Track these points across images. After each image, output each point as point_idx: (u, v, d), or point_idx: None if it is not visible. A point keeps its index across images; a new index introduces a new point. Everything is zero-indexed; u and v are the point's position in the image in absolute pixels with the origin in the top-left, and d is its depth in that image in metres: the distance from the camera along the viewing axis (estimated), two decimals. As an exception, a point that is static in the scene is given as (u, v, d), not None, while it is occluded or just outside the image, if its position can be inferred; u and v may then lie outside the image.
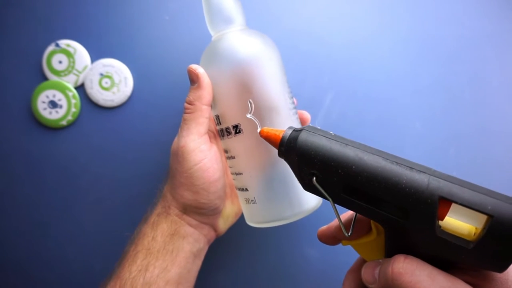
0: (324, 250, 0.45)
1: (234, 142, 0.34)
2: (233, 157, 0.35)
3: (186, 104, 0.34)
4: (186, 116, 0.34)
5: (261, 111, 0.33)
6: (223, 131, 0.35)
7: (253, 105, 0.33)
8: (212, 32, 0.36)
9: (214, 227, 0.38)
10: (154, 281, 0.33)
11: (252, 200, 0.35)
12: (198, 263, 0.37)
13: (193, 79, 0.34)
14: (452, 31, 0.46)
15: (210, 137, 0.37)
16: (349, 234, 0.26)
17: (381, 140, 0.45)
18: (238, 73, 0.33)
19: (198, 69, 0.34)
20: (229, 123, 0.34)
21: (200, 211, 0.35)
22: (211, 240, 0.39)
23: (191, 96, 0.34)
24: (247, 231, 0.45)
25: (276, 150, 0.27)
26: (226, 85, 0.34)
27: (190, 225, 0.36)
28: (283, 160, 0.32)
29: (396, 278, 0.22)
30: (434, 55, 0.45)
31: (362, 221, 0.27)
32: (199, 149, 0.34)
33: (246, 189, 0.35)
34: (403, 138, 0.45)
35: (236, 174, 0.35)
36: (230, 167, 0.36)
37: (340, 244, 0.31)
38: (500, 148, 0.45)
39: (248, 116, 0.32)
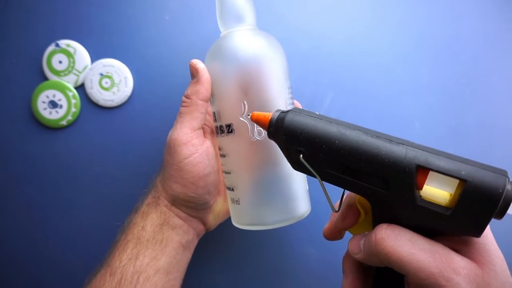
0: (324, 248, 0.45)
1: (226, 141, 0.35)
2: (224, 156, 0.35)
3: (183, 98, 0.35)
4: (182, 109, 0.35)
5: None
6: (218, 129, 0.35)
7: (246, 107, 0.33)
8: (221, 29, 0.36)
9: (203, 221, 0.38)
10: (144, 269, 0.33)
11: (236, 201, 0.35)
12: (188, 255, 0.38)
13: (193, 74, 0.34)
14: (452, 30, 0.46)
15: (205, 132, 0.37)
16: (337, 210, 0.28)
17: (380, 139, 0.45)
18: (236, 73, 0.33)
19: (199, 64, 0.34)
20: (223, 121, 0.34)
21: (188, 204, 0.36)
22: (200, 234, 0.39)
23: (189, 90, 0.34)
24: (246, 230, 0.45)
25: (266, 157, 0.31)
26: (225, 83, 0.34)
27: (179, 217, 0.36)
28: (270, 166, 0.33)
29: (379, 244, 0.23)
30: (434, 55, 0.46)
31: (353, 208, 0.28)
32: (190, 143, 0.34)
33: (232, 189, 0.35)
34: (402, 137, 0.45)
35: (226, 172, 0.35)
36: (222, 164, 0.36)
37: (340, 242, 0.31)
38: (499, 147, 0.45)
39: (241, 118, 0.33)
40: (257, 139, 0.33)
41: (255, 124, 0.33)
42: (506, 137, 0.45)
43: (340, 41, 0.46)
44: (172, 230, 0.36)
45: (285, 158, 0.33)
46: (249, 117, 0.29)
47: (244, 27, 0.35)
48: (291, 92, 0.36)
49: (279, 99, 0.34)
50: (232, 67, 0.33)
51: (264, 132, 0.33)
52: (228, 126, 0.34)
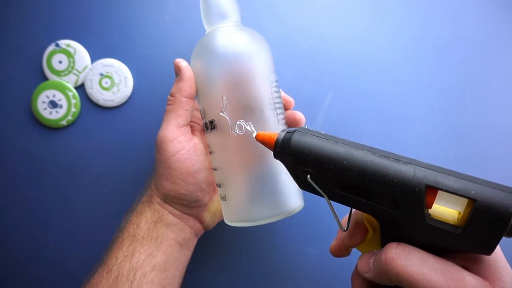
0: (324, 249, 0.45)
1: (211, 137, 0.35)
2: (211, 152, 0.35)
3: (168, 96, 0.35)
4: (167, 107, 0.35)
5: (235, 109, 0.33)
6: (204, 125, 0.35)
7: (225, 102, 0.33)
8: (205, 26, 0.36)
9: (199, 220, 0.38)
10: (140, 266, 0.33)
11: (223, 197, 0.35)
12: (187, 253, 0.38)
13: (176, 72, 0.35)
14: (452, 30, 0.46)
15: (195, 130, 0.38)
16: (346, 229, 0.28)
17: (380, 139, 0.45)
18: (214, 68, 0.33)
19: (181, 62, 0.35)
20: (207, 117, 0.35)
21: (180, 201, 0.36)
22: (198, 232, 0.39)
23: (173, 88, 0.35)
24: (246, 230, 0.45)
25: (244, 153, 0.31)
26: (206, 80, 0.34)
27: (173, 215, 0.36)
28: (253, 161, 0.33)
29: (390, 263, 0.23)
30: (433, 55, 0.46)
31: (361, 226, 0.28)
32: (177, 140, 0.34)
33: (220, 185, 0.35)
34: (402, 137, 0.45)
35: (214, 169, 0.36)
36: (211, 161, 0.36)
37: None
38: (500, 147, 0.45)
39: (221, 113, 0.33)
40: (238, 133, 0.33)
41: (236, 119, 0.33)
42: (506, 137, 0.45)
43: (340, 41, 0.46)
44: (167, 227, 0.36)
45: (269, 153, 0.33)
46: (254, 136, 0.29)
47: (227, 23, 0.35)
48: (277, 86, 0.35)
49: (261, 93, 0.33)
50: (210, 63, 0.33)
51: (244, 127, 0.33)
52: (211, 122, 0.34)
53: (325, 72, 0.46)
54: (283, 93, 0.38)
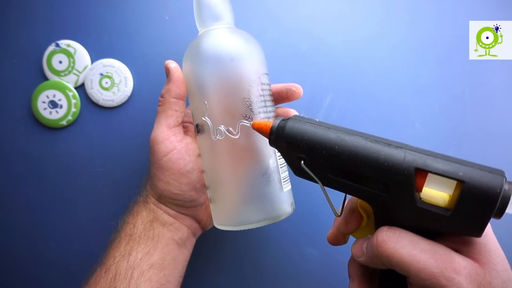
0: (325, 249, 0.45)
1: (199, 140, 0.35)
2: (200, 154, 0.36)
3: (159, 97, 0.36)
4: (158, 109, 0.36)
5: (217, 115, 0.32)
6: (194, 127, 0.36)
7: (207, 107, 0.33)
8: (198, 28, 0.36)
9: (196, 219, 0.38)
10: (137, 264, 0.34)
11: (211, 200, 0.35)
12: (185, 252, 0.38)
13: (166, 73, 0.35)
14: (451, 31, 0.46)
15: (188, 130, 0.38)
16: (339, 214, 0.28)
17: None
18: (198, 72, 0.33)
19: (170, 63, 0.35)
20: (194, 120, 0.35)
21: (174, 201, 0.36)
22: (196, 232, 0.39)
23: (163, 90, 0.35)
24: (245, 231, 0.45)
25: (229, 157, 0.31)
26: (193, 83, 0.34)
27: (169, 214, 0.36)
28: (236, 168, 0.33)
29: (380, 246, 0.23)
30: (433, 55, 0.46)
31: (355, 212, 0.29)
32: (168, 140, 0.35)
33: (208, 188, 0.35)
34: (402, 138, 0.45)
35: (203, 171, 0.36)
36: (201, 163, 0.36)
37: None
38: (500, 148, 0.45)
39: (203, 118, 0.33)
40: (218, 139, 0.33)
41: (217, 124, 0.33)
42: (506, 137, 0.45)
43: (339, 41, 0.46)
44: (163, 227, 0.36)
45: (250, 158, 0.33)
46: (250, 125, 0.29)
47: (219, 25, 0.34)
48: (268, 89, 0.35)
49: (244, 98, 0.32)
50: (195, 66, 0.33)
51: (224, 132, 0.32)
52: (197, 125, 0.34)
53: (325, 73, 0.46)
54: (288, 84, 0.37)
